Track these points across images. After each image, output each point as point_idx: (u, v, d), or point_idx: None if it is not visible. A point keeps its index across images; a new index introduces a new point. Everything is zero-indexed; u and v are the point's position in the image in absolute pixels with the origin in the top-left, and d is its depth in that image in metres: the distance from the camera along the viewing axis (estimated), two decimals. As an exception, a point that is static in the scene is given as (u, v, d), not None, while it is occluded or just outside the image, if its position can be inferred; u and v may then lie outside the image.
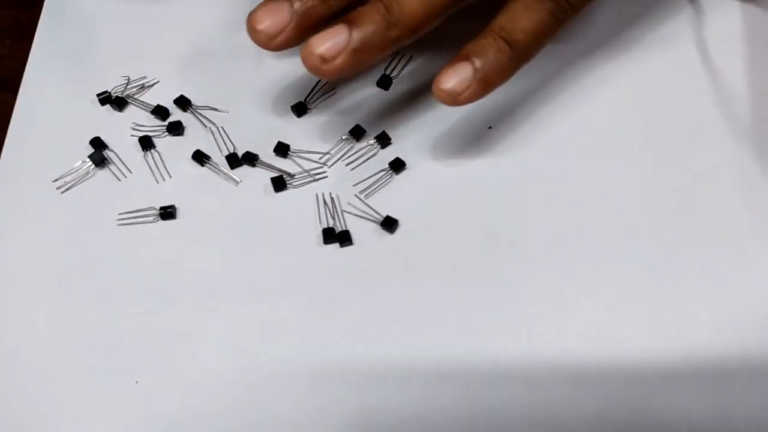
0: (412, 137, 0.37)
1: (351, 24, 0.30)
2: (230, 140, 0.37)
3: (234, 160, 0.37)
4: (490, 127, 0.38)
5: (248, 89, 0.39)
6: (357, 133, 0.37)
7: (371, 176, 0.36)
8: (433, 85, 0.32)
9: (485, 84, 0.32)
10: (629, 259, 0.34)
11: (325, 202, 0.36)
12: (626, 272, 0.34)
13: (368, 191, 0.36)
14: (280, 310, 0.33)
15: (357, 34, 0.30)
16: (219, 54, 0.40)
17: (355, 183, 0.36)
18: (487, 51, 0.31)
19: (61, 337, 0.33)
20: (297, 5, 0.31)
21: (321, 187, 0.36)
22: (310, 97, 0.39)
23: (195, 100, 0.39)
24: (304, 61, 0.31)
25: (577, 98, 0.39)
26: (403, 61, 0.40)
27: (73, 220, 0.35)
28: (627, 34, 0.40)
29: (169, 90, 0.39)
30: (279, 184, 0.36)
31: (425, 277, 0.34)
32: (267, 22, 0.31)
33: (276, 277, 0.34)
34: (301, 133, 0.38)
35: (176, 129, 0.37)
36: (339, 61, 0.30)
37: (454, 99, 0.32)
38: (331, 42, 0.30)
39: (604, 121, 0.38)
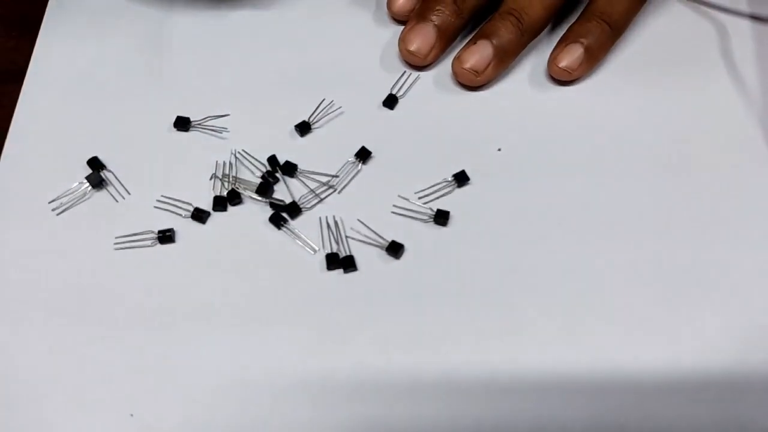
0: (418, 157, 0.36)
1: (491, 37, 0.37)
2: (243, 157, 0.36)
3: (264, 189, 0.35)
4: (499, 149, 0.37)
5: (249, 106, 0.38)
6: (363, 155, 0.36)
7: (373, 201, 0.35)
8: (549, 65, 0.38)
9: (593, 59, 0.38)
10: (642, 274, 0.33)
11: (328, 226, 0.35)
12: (639, 287, 0.33)
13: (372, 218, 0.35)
14: (282, 339, 0.32)
15: (499, 46, 0.37)
16: (215, 69, 0.39)
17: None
18: (593, 32, 0.38)
19: (54, 367, 0.31)
20: (437, 21, 0.37)
21: (325, 211, 0.35)
22: (313, 116, 0.38)
23: (194, 117, 0.37)
24: (458, 76, 0.38)
25: (585, 118, 0.38)
26: (409, 81, 0.39)
27: (68, 243, 0.34)
28: (646, 52, 0.40)
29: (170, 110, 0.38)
30: (277, 219, 0.35)
31: (432, 303, 0.33)
32: (417, 43, 0.38)
33: (278, 305, 0.33)
34: (305, 153, 0.37)
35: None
36: (489, 71, 0.37)
37: (570, 74, 0.38)
38: (478, 56, 0.37)
39: (612, 138, 0.37)
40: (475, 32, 0.38)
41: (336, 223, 0.35)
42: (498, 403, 0.31)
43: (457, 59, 0.38)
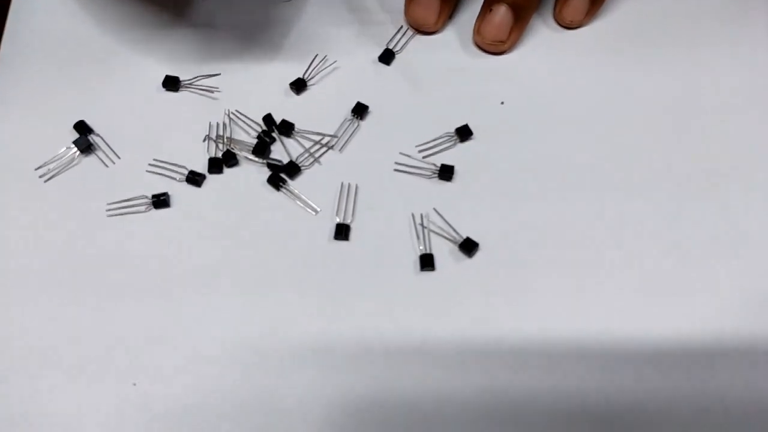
0: (417, 113, 0.35)
1: None
2: (237, 117, 0.35)
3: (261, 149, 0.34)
4: (502, 103, 0.36)
5: (241, 64, 0.37)
6: (360, 111, 0.35)
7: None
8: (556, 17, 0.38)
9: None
10: (651, 229, 0.32)
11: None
12: (648, 242, 0.32)
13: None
14: (284, 303, 0.31)
15: (515, 4, 0.35)
16: (204, 25, 0.38)
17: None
18: None
19: (51, 339, 0.30)
20: None
21: (326, 171, 0.34)
22: (308, 72, 0.36)
23: (183, 77, 0.36)
24: (485, 48, 0.37)
25: (591, 69, 0.37)
26: (406, 36, 0.37)
27: (58, 212, 0.33)
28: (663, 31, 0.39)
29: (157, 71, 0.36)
30: (276, 180, 0.33)
31: (438, 262, 0.32)
32: (419, 14, 0.36)
33: (280, 268, 0.32)
34: (301, 111, 0.35)
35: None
36: (513, 35, 0.36)
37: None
38: (498, 24, 0.35)
39: (619, 91, 0.36)
40: None
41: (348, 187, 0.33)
42: (507, 364, 0.30)
43: (477, 33, 0.36)
